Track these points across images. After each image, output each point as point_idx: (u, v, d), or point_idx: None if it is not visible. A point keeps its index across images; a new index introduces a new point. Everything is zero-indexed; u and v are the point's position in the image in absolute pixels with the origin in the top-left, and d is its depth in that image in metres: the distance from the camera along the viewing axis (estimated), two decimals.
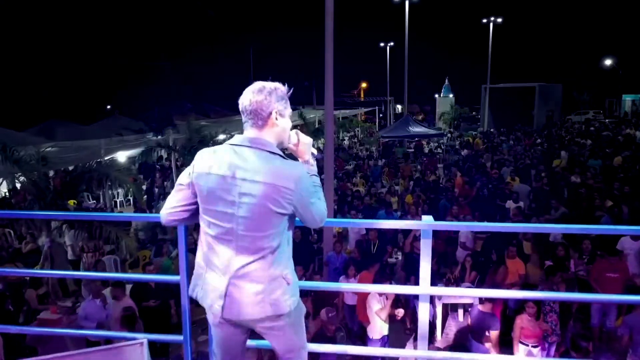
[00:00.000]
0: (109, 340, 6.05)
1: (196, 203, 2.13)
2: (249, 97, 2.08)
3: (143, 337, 2.23)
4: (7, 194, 14.40)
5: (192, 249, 2.74)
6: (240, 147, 2.07)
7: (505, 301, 7.45)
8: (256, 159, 2.03)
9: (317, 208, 2.15)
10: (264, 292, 2.06)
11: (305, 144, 2.30)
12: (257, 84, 2.11)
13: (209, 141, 17.27)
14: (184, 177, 2.17)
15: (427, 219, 2.45)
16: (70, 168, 12.96)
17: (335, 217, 9.90)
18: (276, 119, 2.10)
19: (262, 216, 2.02)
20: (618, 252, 7.29)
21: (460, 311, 7.80)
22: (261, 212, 2.02)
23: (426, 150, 24.72)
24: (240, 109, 2.09)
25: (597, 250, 7.51)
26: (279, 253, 2.10)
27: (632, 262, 7.45)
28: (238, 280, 2.06)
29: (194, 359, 2.34)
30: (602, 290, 6.63)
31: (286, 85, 2.18)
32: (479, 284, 7.80)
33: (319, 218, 2.17)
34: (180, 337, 2.33)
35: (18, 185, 11.30)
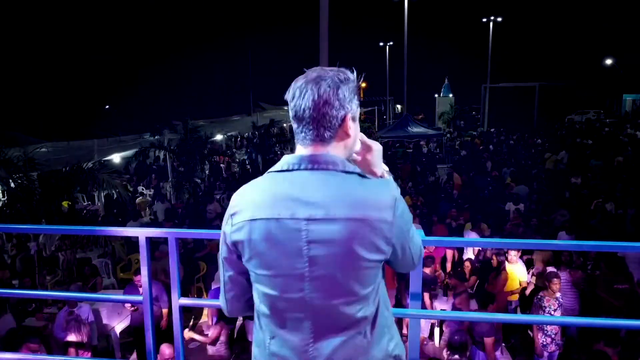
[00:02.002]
0: None
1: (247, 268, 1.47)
2: (311, 98, 1.37)
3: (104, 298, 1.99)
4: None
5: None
6: (298, 173, 1.40)
7: (505, 309, 7.25)
8: (328, 187, 1.37)
9: (415, 243, 1.52)
10: None
11: (376, 152, 1.58)
12: (318, 74, 1.40)
13: (204, 141, 17.11)
14: (223, 240, 1.48)
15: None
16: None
17: None
18: (349, 126, 1.43)
19: (349, 271, 1.36)
20: (619, 259, 7.07)
21: None
22: (346, 264, 1.35)
23: (425, 150, 24.55)
24: (294, 116, 1.41)
25: (600, 255, 7.31)
26: (379, 322, 1.44)
27: (633, 268, 7.24)
28: None
29: None
30: (610, 301, 6.39)
31: (354, 71, 1.47)
32: (479, 289, 7.60)
33: (417, 257, 1.54)
34: (140, 298, 2.10)
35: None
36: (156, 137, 17.82)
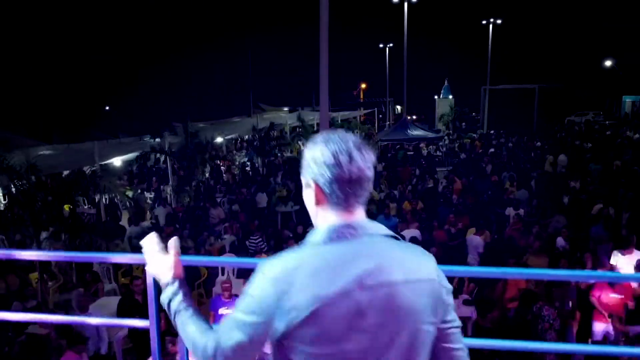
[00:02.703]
0: None
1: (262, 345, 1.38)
2: (363, 162, 1.37)
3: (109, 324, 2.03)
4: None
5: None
6: (351, 242, 1.35)
7: (505, 316, 7.30)
8: (384, 251, 1.35)
9: None
10: None
11: None
12: (355, 139, 1.40)
13: (205, 145, 17.16)
14: (251, 318, 1.35)
15: None
16: (65, 173, 12.88)
17: None
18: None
19: (416, 338, 1.34)
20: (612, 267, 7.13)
21: None
22: (411, 330, 1.33)
23: (425, 153, 24.58)
24: (349, 177, 1.36)
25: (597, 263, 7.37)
26: None
27: None
28: None
29: None
30: (605, 311, 6.45)
31: None
32: (477, 295, 7.65)
33: None
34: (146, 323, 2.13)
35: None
36: (156, 139, 17.89)
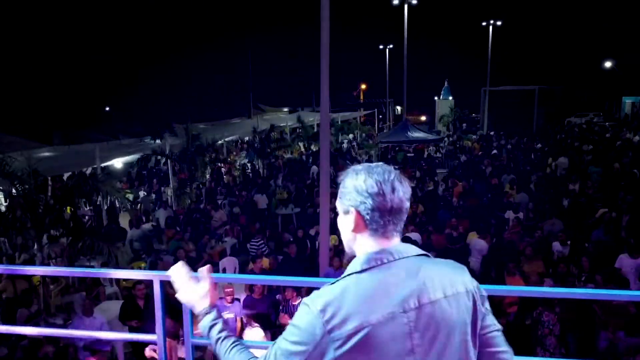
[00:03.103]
0: None
1: None
2: (403, 193, 1.45)
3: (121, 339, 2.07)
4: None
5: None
6: (390, 266, 1.41)
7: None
8: (421, 271, 1.41)
9: None
10: None
11: None
12: (392, 169, 1.48)
13: (206, 147, 17.18)
14: (301, 340, 1.38)
15: None
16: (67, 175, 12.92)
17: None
18: None
19: (462, 346, 1.41)
20: (616, 270, 7.15)
21: None
22: (457, 339, 1.41)
23: (425, 154, 24.62)
24: (383, 208, 1.43)
25: (595, 268, 7.39)
26: None
27: (630, 281, 7.32)
28: None
29: None
30: (606, 316, 6.45)
31: None
32: None
33: None
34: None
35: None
36: (157, 141, 17.93)
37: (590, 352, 6.54)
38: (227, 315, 6.94)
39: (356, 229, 1.47)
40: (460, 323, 1.41)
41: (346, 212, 1.49)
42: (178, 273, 1.83)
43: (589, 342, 6.71)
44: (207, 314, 1.71)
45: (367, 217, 1.44)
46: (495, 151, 23.84)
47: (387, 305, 1.35)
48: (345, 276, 1.43)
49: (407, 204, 1.47)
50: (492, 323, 1.50)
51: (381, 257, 1.42)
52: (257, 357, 1.53)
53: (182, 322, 2.17)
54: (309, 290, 7.94)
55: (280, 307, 7.25)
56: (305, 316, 1.38)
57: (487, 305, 1.50)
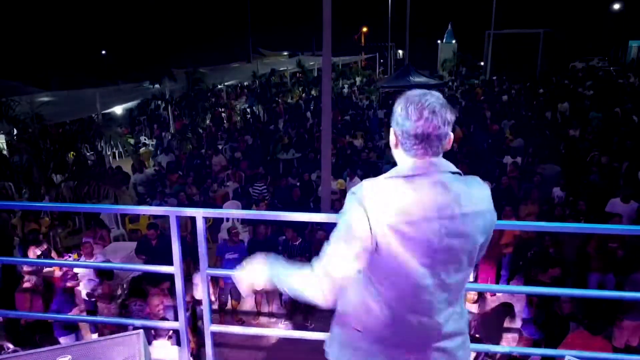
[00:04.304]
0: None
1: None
2: (438, 121, 1.59)
3: (140, 324, 2.26)
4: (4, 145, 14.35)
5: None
6: (423, 178, 1.61)
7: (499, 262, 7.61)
8: (453, 187, 1.61)
9: None
10: (466, 346, 1.80)
11: None
12: (439, 99, 1.63)
13: (206, 92, 17.05)
14: (348, 234, 1.61)
15: None
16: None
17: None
18: (451, 140, 1.70)
19: (469, 256, 1.67)
20: (614, 216, 7.28)
21: None
22: (467, 250, 1.65)
23: None
24: (416, 134, 1.60)
25: (590, 210, 7.57)
26: (462, 294, 1.80)
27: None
28: (442, 342, 1.72)
29: (190, 346, 2.39)
30: (601, 259, 6.66)
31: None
32: None
33: None
34: (176, 325, 2.37)
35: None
36: (156, 85, 17.73)
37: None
38: (232, 256, 7.20)
39: (395, 146, 1.70)
40: (477, 234, 1.65)
41: (391, 130, 1.72)
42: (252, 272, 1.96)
43: (581, 283, 6.98)
44: (267, 280, 1.88)
45: (400, 138, 1.65)
46: (505, 96, 23.47)
47: (424, 209, 1.57)
48: (389, 177, 1.64)
49: (437, 132, 1.60)
50: (483, 241, 1.71)
51: (422, 167, 1.62)
52: (310, 268, 1.71)
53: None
54: (310, 233, 8.18)
55: (280, 248, 7.49)
56: (350, 205, 1.62)
57: (492, 224, 1.72)
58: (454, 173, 1.65)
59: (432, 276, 1.62)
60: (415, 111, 1.59)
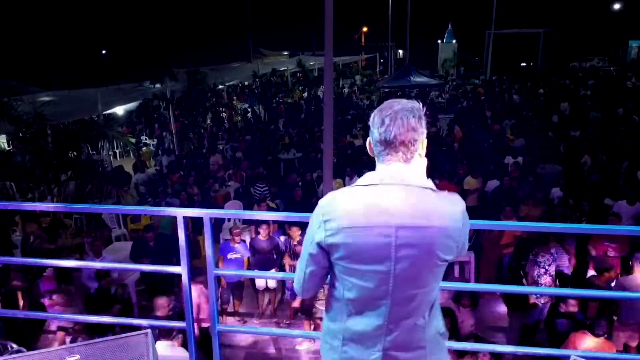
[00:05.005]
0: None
1: (329, 264, 1.76)
2: (402, 126, 1.65)
3: (146, 324, 2.28)
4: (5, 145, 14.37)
5: None
6: (384, 187, 1.66)
7: (500, 261, 7.63)
8: (410, 199, 1.64)
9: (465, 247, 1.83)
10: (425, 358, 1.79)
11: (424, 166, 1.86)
12: (403, 106, 1.69)
13: (207, 92, 17.06)
14: (311, 241, 1.75)
15: None
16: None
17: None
18: (424, 147, 1.74)
19: (426, 269, 1.67)
20: (614, 216, 7.31)
21: (456, 267, 8.01)
22: (425, 264, 1.66)
23: (428, 99, 24.42)
24: (382, 140, 1.67)
25: (592, 212, 7.59)
26: (435, 309, 1.80)
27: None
28: (393, 351, 1.74)
29: (197, 344, 2.42)
30: (600, 257, 6.68)
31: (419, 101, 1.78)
32: (474, 241, 7.93)
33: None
34: (183, 324, 2.40)
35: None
36: (156, 85, 17.73)
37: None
38: (234, 255, 7.22)
39: (370, 152, 1.78)
40: (439, 250, 1.65)
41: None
42: None
43: (581, 283, 7.00)
44: None
45: (372, 144, 1.75)
46: (515, 96, 23.38)
47: (377, 217, 1.63)
48: (351, 187, 1.73)
49: (403, 138, 1.65)
50: (449, 258, 1.72)
51: (382, 177, 1.68)
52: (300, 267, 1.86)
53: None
54: None
55: (284, 248, 7.52)
56: (314, 212, 1.75)
57: (457, 242, 1.71)
58: (423, 187, 1.67)
59: (386, 283, 1.66)
60: (379, 119, 1.68)
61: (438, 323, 1.83)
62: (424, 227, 1.62)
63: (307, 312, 6.81)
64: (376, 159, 1.74)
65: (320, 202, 1.73)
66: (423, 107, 1.73)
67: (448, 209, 1.67)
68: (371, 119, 1.72)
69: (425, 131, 1.71)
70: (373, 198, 1.65)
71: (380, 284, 1.67)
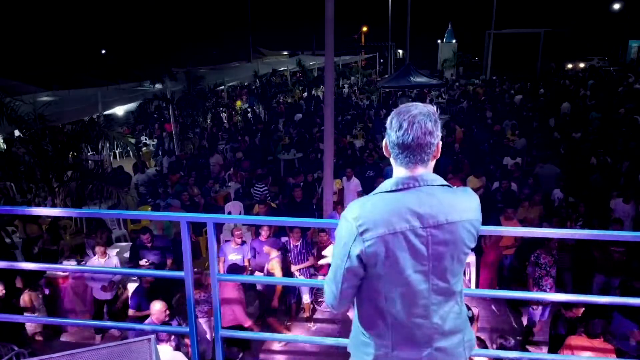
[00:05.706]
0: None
1: (364, 274, 1.78)
2: (420, 130, 1.70)
3: (150, 329, 2.28)
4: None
5: None
6: (412, 190, 1.73)
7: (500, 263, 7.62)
8: (436, 198, 1.73)
9: None
10: (465, 343, 1.90)
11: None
12: (420, 110, 1.73)
13: (207, 92, 17.03)
14: (346, 254, 1.74)
15: None
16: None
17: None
18: (439, 149, 1.79)
19: (457, 260, 1.78)
20: (617, 220, 7.27)
21: None
22: (456, 256, 1.77)
23: (428, 100, 24.39)
24: (400, 144, 1.72)
25: (592, 213, 7.58)
26: (462, 294, 1.90)
27: (624, 227, 7.50)
28: (441, 342, 1.83)
29: (200, 351, 2.41)
30: (604, 259, 6.67)
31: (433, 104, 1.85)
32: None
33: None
34: (186, 329, 2.39)
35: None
36: (156, 85, 17.71)
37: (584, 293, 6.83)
38: (235, 256, 7.22)
39: (388, 155, 1.83)
40: (462, 242, 1.76)
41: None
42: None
43: (584, 285, 7.00)
44: None
45: (389, 147, 1.79)
46: (518, 97, 23.31)
47: (408, 220, 1.69)
48: (375, 194, 1.77)
49: (420, 141, 1.71)
50: (473, 246, 1.83)
51: (407, 182, 1.74)
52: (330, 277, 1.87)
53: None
54: (312, 234, 8.20)
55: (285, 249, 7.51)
56: (344, 226, 1.75)
57: (477, 230, 1.83)
58: (442, 185, 1.76)
59: (425, 281, 1.74)
60: (397, 123, 1.73)
61: (465, 307, 1.94)
62: (452, 222, 1.72)
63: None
64: (393, 160, 1.80)
65: (349, 213, 1.74)
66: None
67: (469, 203, 1.80)
68: (388, 121, 1.77)
69: (440, 134, 1.76)
70: (403, 202, 1.70)
71: (419, 284, 1.74)
